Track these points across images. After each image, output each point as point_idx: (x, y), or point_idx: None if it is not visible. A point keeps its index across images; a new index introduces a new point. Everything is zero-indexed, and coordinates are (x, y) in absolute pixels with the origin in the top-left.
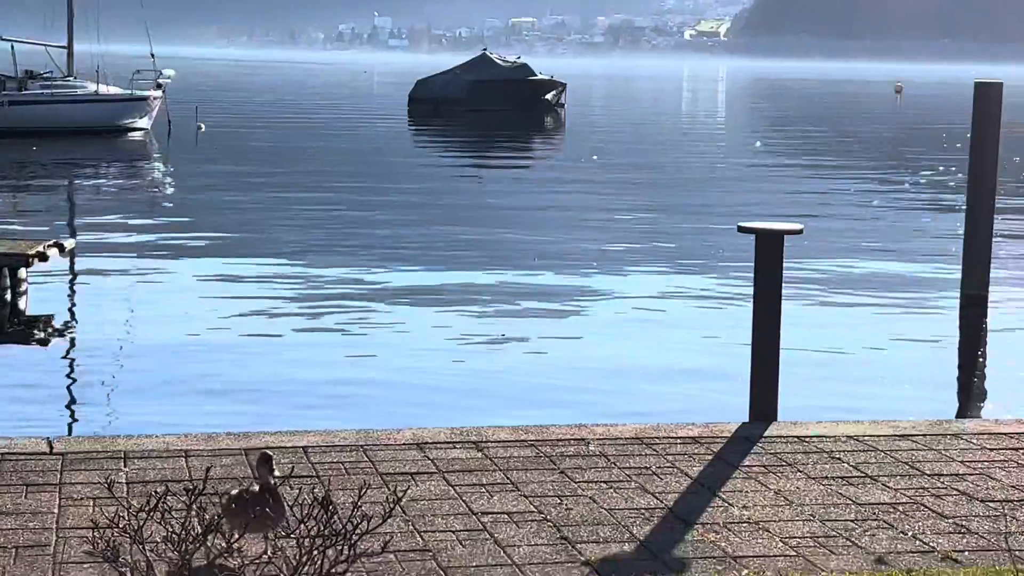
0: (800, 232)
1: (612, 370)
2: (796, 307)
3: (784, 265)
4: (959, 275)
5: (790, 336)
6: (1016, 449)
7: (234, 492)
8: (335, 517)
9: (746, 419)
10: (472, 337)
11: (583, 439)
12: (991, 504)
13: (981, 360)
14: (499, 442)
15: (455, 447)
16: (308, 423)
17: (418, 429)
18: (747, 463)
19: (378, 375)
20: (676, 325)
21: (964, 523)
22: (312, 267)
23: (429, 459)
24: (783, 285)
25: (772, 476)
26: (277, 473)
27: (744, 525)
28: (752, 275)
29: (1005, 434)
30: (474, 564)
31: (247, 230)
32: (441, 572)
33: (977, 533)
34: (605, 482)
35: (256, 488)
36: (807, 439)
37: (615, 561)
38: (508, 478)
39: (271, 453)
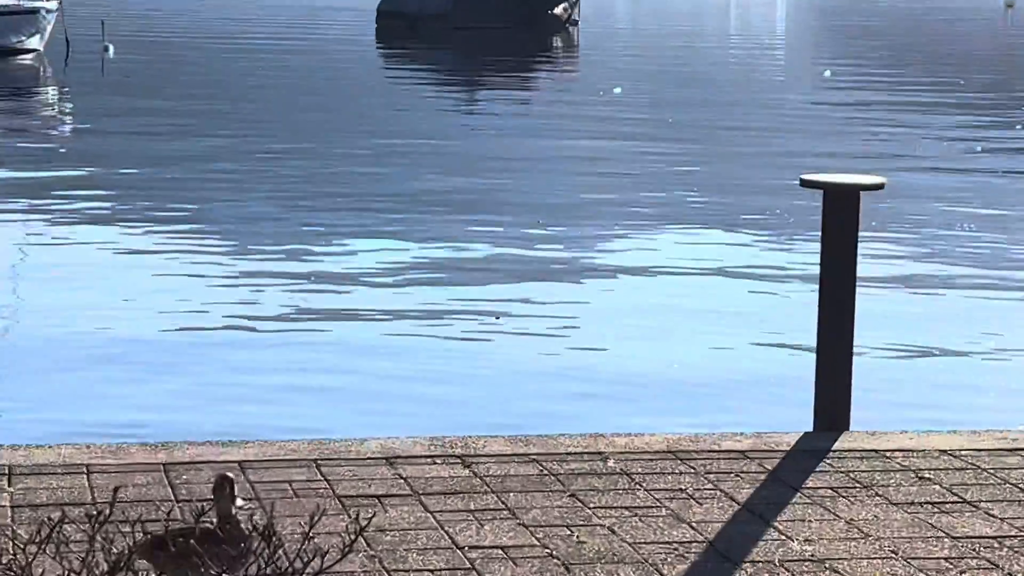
0: (881, 188)
1: (637, 367)
2: (873, 287)
3: (860, 231)
4: None
5: (865, 324)
6: None
7: (175, 528)
8: (280, 552)
9: (810, 428)
10: (459, 322)
11: (600, 453)
12: None
13: None
14: (492, 456)
15: (435, 462)
16: (247, 432)
17: (388, 439)
18: (811, 484)
19: (337, 371)
20: (719, 309)
21: None
22: (252, 235)
23: (402, 478)
24: (858, 257)
25: (843, 501)
26: (240, 502)
27: (807, 564)
28: (818, 244)
29: None
30: None
31: (168, 187)
32: None
33: None
34: (628, 508)
35: (207, 524)
36: (888, 454)
37: None
38: (503, 502)
39: (231, 475)
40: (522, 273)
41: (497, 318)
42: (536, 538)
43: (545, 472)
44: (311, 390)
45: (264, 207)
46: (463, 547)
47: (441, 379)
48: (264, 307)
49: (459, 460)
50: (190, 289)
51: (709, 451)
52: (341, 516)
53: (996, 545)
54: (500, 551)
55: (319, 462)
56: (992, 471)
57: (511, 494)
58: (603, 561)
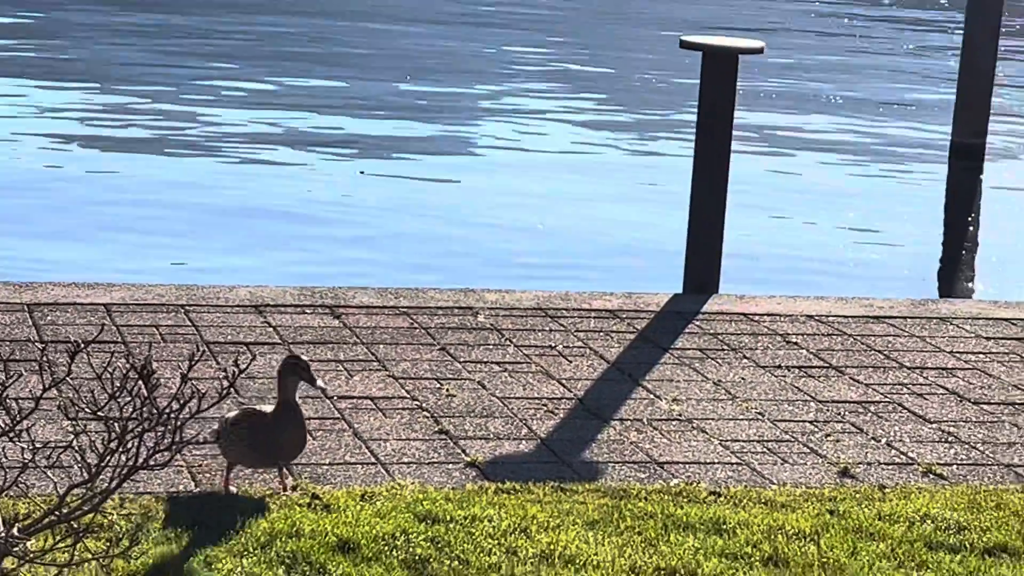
0: (760, 52)
1: (510, 222)
2: (747, 153)
3: (737, 95)
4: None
5: (738, 191)
6: (1020, 339)
7: (232, 414)
8: (155, 394)
9: (679, 290)
10: (325, 171)
11: (471, 308)
12: (987, 407)
13: (974, 228)
14: (362, 308)
15: (305, 312)
16: (113, 274)
17: (257, 287)
18: (679, 345)
19: (204, 213)
20: (591, 169)
21: (952, 429)
22: (119, 79)
23: (271, 326)
24: (734, 122)
25: (711, 363)
26: (321, 384)
27: (674, 424)
28: (695, 107)
29: (1006, 320)
30: (327, 462)
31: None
32: (285, 470)
33: (968, 443)
34: (498, 363)
35: (267, 408)
36: (757, 318)
37: (507, 463)
38: (373, 354)
39: (304, 356)
40: (390, 127)
41: (362, 172)
42: (406, 390)
43: (415, 325)
44: (179, 236)
45: (128, 52)
46: (332, 397)
47: (311, 228)
48: (130, 143)
49: (329, 310)
50: (49, 127)
51: (579, 310)
52: (209, 362)
53: (861, 410)
54: (369, 402)
55: (187, 307)
56: (858, 337)
57: (381, 346)
58: (472, 415)
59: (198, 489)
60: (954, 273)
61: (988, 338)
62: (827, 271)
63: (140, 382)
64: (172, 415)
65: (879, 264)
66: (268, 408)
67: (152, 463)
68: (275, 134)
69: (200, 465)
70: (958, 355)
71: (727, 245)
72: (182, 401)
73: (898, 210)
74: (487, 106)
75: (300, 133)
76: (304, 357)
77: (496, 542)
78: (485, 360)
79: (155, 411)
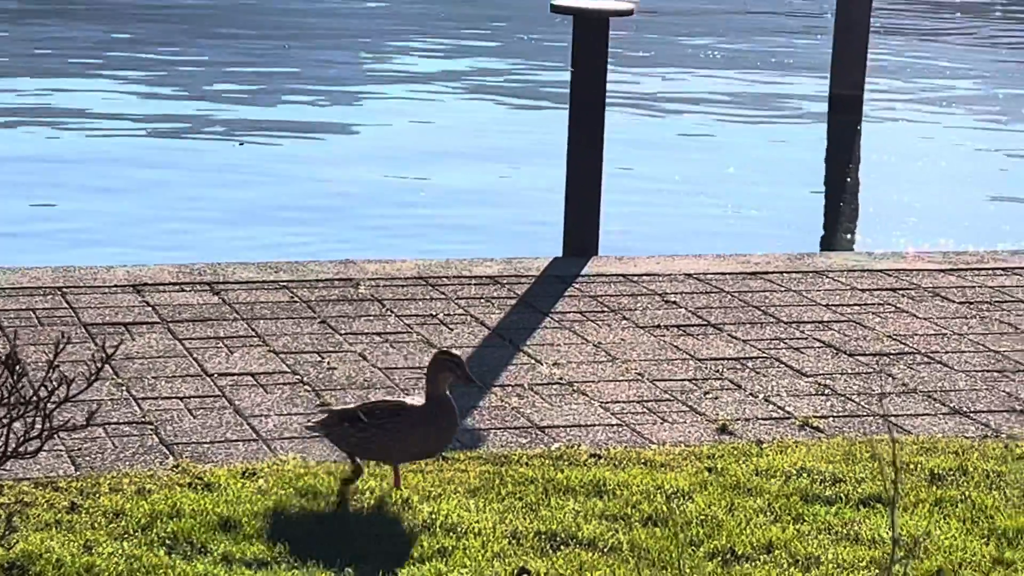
0: (630, 14)
1: (384, 189)
2: (622, 116)
3: (610, 57)
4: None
5: (614, 152)
6: (894, 290)
7: (385, 401)
8: (24, 380)
9: (559, 254)
10: (201, 146)
11: (351, 279)
12: (862, 359)
13: (852, 179)
14: (242, 283)
15: (184, 290)
16: None
17: (134, 267)
18: (559, 309)
19: (78, 194)
20: (468, 134)
21: (828, 382)
22: None
23: (149, 305)
24: (607, 84)
25: (591, 325)
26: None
27: (555, 388)
28: (568, 70)
29: (881, 271)
30: (208, 439)
31: None
32: (165, 450)
33: (844, 395)
34: (379, 334)
35: (414, 401)
36: (635, 278)
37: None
38: (253, 329)
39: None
40: (269, 101)
41: (241, 143)
42: (286, 364)
43: (295, 299)
44: (53, 219)
45: None
46: (212, 374)
47: (187, 204)
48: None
49: (208, 287)
50: None
51: (460, 277)
52: (87, 344)
53: (739, 366)
54: (250, 378)
55: (64, 290)
56: (735, 294)
57: (261, 321)
58: (354, 387)
59: (78, 473)
60: (834, 226)
61: (863, 290)
62: (708, 230)
63: (6, 369)
64: (41, 402)
65: (760, 220)
66: (416, 401)
67: (22, 451)
68: (132, 103)
69: (79, 449)
70: (834, 308)
71: (607, 207)
72: (51, 388)
73: (779, 165)
74: (368, 71)
75: (167, 102)
76: (456, 352)
77: (378, 514)
78: (366, 331)
79: (22, 399)
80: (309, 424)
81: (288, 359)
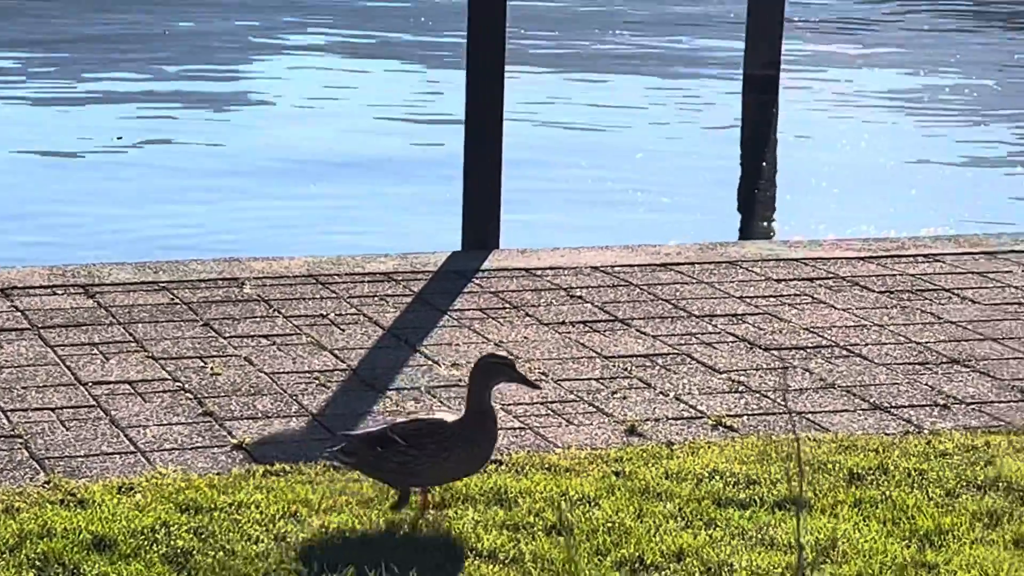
0: None
1: (278, 182)
2: (527, 87)
3: (508, 29)
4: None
5: (516, 132)
6: (811, 280)
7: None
8: None
9: (458, 247)
10: (82, 141)
11: (236, 279)
12: (777, 353)
13: (768, 163)
14: (118, 285)
15: (56, 293)
16: None
17: (2, 270)
18: (458, 306)
19: None
20: (359, 114)
21: (742, 379)
22: None
23: (19, 310)
24: (506, 56)
25: (492, 323)
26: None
27: (454, 390)
28: (465, 40)
29: (797, 260)
30: (81, 453)
31: None
32: (35, 465)
33: (759, 392)
34: (266, 336)
35: (448, 417)
36: (539, 272)
37: (277, 443)
38: (131, 334)
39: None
40: (159, 96)
41: (119, 138)
42: (167, 371)
43: (176, 301)
44: None
45: None
46: (87, 383)
47: (59, 206)
48: None
49: (82, 290)
50: None
51: (352, 274)
52: None
53: (648, 364)
54: (127, 386)
55: None
56: (644, 287)
57: (139, 325)
58: (239, 393)
59: None
60: (750, 212)
61: (779, 280)
62: (618, 223)
63: None
64: None
65: (672, 207)
66: (452, 417)
67: None
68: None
69: None
70: (748, 300)
71: (508, 195)
72: None
73: (693, 147)
74: (255, 44)
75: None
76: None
77: (264, 529)
78: (252, 334)
79: None
80: (327, 453)
81: (168, 365)
